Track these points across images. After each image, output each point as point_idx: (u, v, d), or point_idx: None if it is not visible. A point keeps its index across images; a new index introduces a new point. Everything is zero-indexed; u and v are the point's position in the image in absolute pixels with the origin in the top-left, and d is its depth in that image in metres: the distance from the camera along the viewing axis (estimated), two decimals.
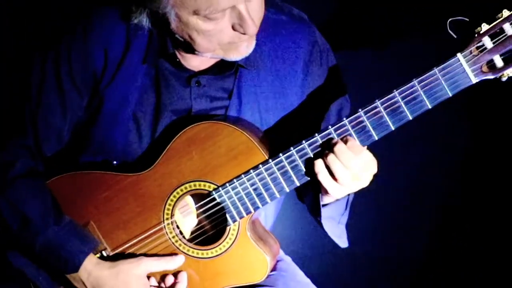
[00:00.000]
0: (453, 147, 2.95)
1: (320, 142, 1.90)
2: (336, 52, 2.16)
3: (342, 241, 2.14)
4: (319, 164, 1.89)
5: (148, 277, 2.06)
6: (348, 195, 2.03)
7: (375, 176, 1.93)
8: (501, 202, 2.96)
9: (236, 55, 1.95)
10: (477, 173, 2.98)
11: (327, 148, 1.89)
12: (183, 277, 2.05)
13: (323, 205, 2.03)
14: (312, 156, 1.92)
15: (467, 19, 1.79)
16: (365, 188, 1.94)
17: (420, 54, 2.49)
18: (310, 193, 2.09)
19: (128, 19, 1.97)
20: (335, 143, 1.87)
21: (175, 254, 2.05)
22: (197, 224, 2.09)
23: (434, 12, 2.50)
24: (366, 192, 1.97)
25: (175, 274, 2.05)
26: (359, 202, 2.16)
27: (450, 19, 1.79)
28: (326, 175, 1.88)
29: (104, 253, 2.07)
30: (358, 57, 2.67)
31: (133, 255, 2.06)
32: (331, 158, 1.87)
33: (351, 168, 1.86)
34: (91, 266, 2.04)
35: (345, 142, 1.87)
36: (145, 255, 2.06)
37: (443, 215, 3.04)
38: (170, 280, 2.06)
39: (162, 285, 2.07)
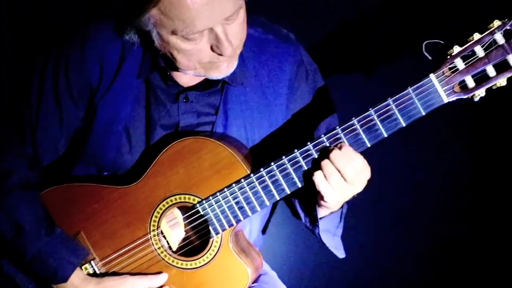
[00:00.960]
0: (453, 147, 2.99)
1: (313, 150, 1.97)
2: (322, 68, 2.24)
3: (339, 253, 2.20)
4: (316, 172, 1.94)
5: None
6: (342, 207, 2.09)
7: (368, 181, 1.98)
8: (502, 203, 2.99)
9: (217, 74, 2.02)
10: (477, 173, 3.01)
11: (322, 155, 1.95)
12: None
13: (319, 218, 2.10)
14: (304, 165, 1.98)
15: (442, 42, 1.87)
16: (361, 195, 2.00)
17: (397, 74, 2.56)
18: (306, 208, 2.17)
19: (121, 35, 2.05)
20: (331, 150, 1.93)
21: (160, 272, 2.12)
22: (184, 236, 2.16)
23: (412, 34, 2.58)
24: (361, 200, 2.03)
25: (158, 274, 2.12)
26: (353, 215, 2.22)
27: (425, 42, 1.86)
28: (323, 181, 1.93)
29: (92, 263, 2.14)
30: (341, 77, 2.75)
31: (119, 273, 2.14)
32: (326, 164, 1.93)
33: (346, 174, 1.92)
34: (78, 281, 2.10)
35: (340, 148, 1.93)
36: (132, 269, 2.13)
37: (443, 216, 3.07)
38: None
39: None
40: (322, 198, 1.96)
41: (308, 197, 2.12)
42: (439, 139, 2.96)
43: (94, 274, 2.13)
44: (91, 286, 2.09)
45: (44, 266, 2.09)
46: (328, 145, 1.96)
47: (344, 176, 1.92)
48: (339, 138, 1.95)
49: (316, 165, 1.96)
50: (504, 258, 3.01)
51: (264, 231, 2.44)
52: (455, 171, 3.01)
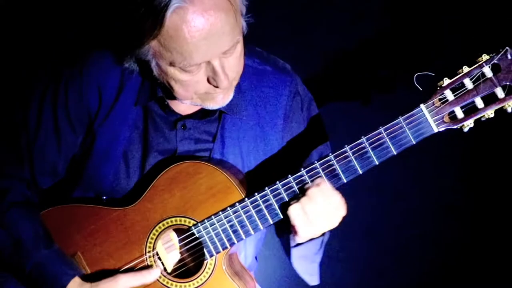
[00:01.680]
0: (454, 147, 3.04)
1: (293, 183, 2.03)
2: (317, 97, 2.30)
3: (312, 279, 2.24)
4: (293, 205, 2.00)
5: None
6: (323, 235, 2.13)
7: (343, 217, 2.04)
8: (502, 203, 3.03)
9: (213, 105, 2.08)
10: (478, 173, 3.05)
11: (300, 190, 2.02)
12: None
13: (298, 244, 2.14)
14: (285, 196, 2.04)
15: (433, 74, 1.93)
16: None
17: (389, 104, 2.62)
18: (283, 233, 2.21)
19: (121, 63, 2.10)
20: (309, 187, 1.99)
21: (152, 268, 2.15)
22: (179, 258, 2.20)
23: (404, 66, 2.66)
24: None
25: None
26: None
27: (417, 74, 1.92)
28: (300, 216, 1.99)
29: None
30: (334, 106, 2.81)
31: (110, 271, 2.16)
32: (304, 200, 1.99)
33: (322, 210, 1.98)
34: (75, 286, 2.13)
35: (318, 185, 2.00)
36: (121, 269, 2.16)
37: (444, 217, 3.10)
38: None
39: None
40: (296, 232, 2.02)
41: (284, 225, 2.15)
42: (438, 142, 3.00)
43: (88, 278, 2.16)
44: None
45: (43, 277, 2.12)
46: (320, 171, 2.01)
47: (320, 212, 1.98)
48: (332, 165, 2.00)
49: (296, 197, 2.02)
50: (505, 259, 3.05)
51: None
52: (454, 173, 3.06)
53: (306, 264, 2.21)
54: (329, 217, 2.00)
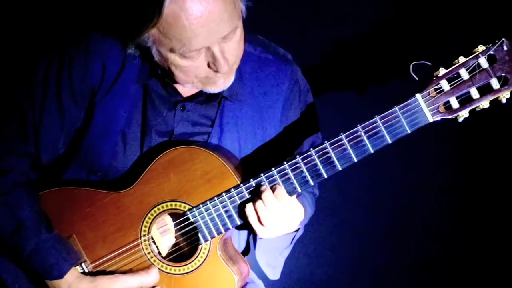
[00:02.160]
0: (455, 147, 3.05)
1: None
2: (314, 86, 2.32)
3: (274, 273, 2.29)
4: (248, 208, 2.06)
5: None
6: (297, 230, 2.20)
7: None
8: (500, 204, 3.05)
9: (213, 88, 2.10)
10: (479, 174, 3.06)
11: (256, 194, 2.06)
12: None
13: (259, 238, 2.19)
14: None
15: (429, 63, 1.94)
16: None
17: (385, 93, 2.63)
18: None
19: (123, 47, 2.12)
20: (263, 190, 2.04)
21: (151, 269, 2.16)
22: (174, 242, 2.22)
23: (400, 55, 2.67)
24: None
25: None
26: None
27: (413, 63, 1.93)
28: (254, 218, 2.05)
29: (83, 265, 2.19)
30: (331, 94, 2.83)
31: (111, 272, 2.19)
32: (258, 203, 2.04)
33: (274, 214, 2.03)
34: (72, 278, 2.15)
35: (273, 190, 2.04)
36: (122, 271, 2.18)
37: (444, 217, 3.12)
38: None
39: None
40: (255, 233, 2.08)
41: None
42: (436, 137, 3.02)
43: (86, 273, 2.19)
44: (84, 284, 2.14)
45: (41, 261, 2.13)
46: (315, 158, 2.03)
47: (274, 216, 2.03)
48: (327, 153, 2.02)
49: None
50: (505, 259, 3.07)
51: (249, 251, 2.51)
52: (452, 172, 3.07)
53: (272, 256, 2.25)
54: (282, 220, 2.05)
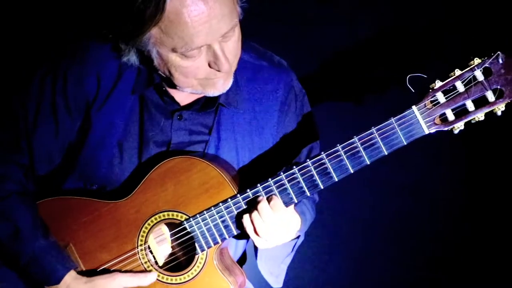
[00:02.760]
0: (456, 147, 3.06)
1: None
2: (310, 96, 2.34)
3: (277, 281, 2.29)
4: (245, 219, 2.07)
5: None
6: (298, 237, 2.20)
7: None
8: (499, 204, 3.06)
9: (213, 91, 2.11)
10: (475, 174, 3.07)
11: (253, 205, 2.07)
12: None
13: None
14: (277, 194, 2.07)
15: (425, 76, 1.95)
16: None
17: (381, 104, 2.65)
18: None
19: (119, 56, 2.12)
20: (259, 201, 2.05)
21: (148, 271, 2.17)
22: (171, 252, 2.23)
23: (397, 68, 2.68)
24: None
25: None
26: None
27: (409, 75, 1.95)
28: (251, 229, 2.06)
29: None
30: (327, 105, 2.84)
31: (108, 270, 2.19)
32: (254, 214, 2.05)
33: (270, 225, 2.04)
34: (70, 279, 2.16)
35: (269, 201, 2.05)
36: (120, 271, 2.18)
37: (445, 217, 3.13)
38: None
39: None
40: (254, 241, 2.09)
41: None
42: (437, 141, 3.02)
43: (84, 273, 2.19)
44: (81, 285, 2.14)
45: (39, 268, 2.15)
46: (312, 169, 2.03)
47: (270, 227, 2.04)
48: (324, 163, 2.03)
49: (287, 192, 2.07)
50: (506, 260, 3.08)
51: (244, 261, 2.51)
52: (452, 172, 3.08)
53: (274, 265, 2.26)
54: (278, 231, 2.06)
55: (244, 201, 2.09)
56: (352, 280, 3.20)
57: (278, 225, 2.04)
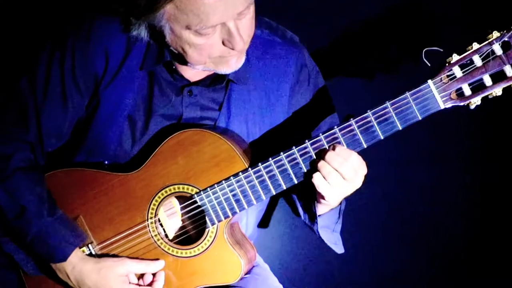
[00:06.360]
0: (457, 147, 3.03)
1: (310, 148, 2.02)
2: (323, 71, 2.30)
3: (338, 248, 2.28)
4: (314, 174, 2.01)
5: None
6: (340, 204, 2.16)
7: (366, 176, 2.04)
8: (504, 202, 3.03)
9: (226, 69, 2.08)
10: (481, 170, 3.04)
11: (318, 156, 2.02)
12: (161, 276, 2.17)
13: (318, 216, 2.16)
14: (301, 162, 2.04)
15: (441, 50, 1.91)
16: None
17: (396, 79, 2.61)
18: (305, 205, 2.23)
19: (128, 30, 2.10)
20: (326, 151, 2.00)
21: (157, 259, 2.17)
22: (181, 225, 2.22)
23: (413, 41, 2.64)
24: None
25: (154, 273, 2.17)
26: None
27: (425, 49, 1.91)
28: (323, 182, 2.00)
29: (90, 247, 2.19)
30: (341, 80, 2.81)
31: (117, 255, 2.18)
32: (323, 165, 2.00)
33: (343, 172, 1.99)
34: (76, 259, 2.15)
35: (334, 149, 2.00)
36: (129, 254, 2.17)
37: (446, 217, 3.11)
38: (148, 278, 2.17)
39: (141, 282, 2.18)
40: (322, 197, 2.03)
41: (307, 194, 2.18)
42: (441, 135, 2.99)
43: (92, 255, 2.19)
44: (89, 266, 2.14)
45: (44, 246, 2.14)
46: (325, 144, 2.01)
47: (342, 174, 1.99)
48: (336, 138, 2.00)
49: (312, 163, 2.03)
50: (507, 260, 3.06)
51: (266, 225, 2.49)
52: (457, 168, 3.05)
53: (328, 234, 2.23)
54: (351, 177, 2.00)
55: (255, 175, 2.06)
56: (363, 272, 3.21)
57: (349, 168, 1.99)
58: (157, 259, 2.17)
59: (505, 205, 3.03)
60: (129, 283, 2.16)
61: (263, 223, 2.48)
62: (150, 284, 2.17)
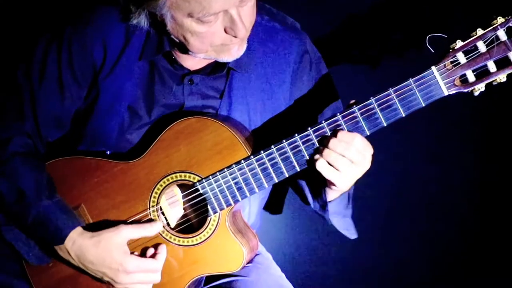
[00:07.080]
0: (458, 146, 3.03)
1: (313, 135, 2.01)
2: (325, 58, 2.28)
3: (350, 233, 2.27)
4: (317, 159, 1.99)
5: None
6: (349, 188, 2.13)
7: (373, 156, 2.02)
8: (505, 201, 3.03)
9: (227, 57, 2.07)
10: (481, 169, 3.05)
11: (321, 143, 2.01)
12: (163, 249, 2.14)
13: (328, 202, 2.15)
14: (304, 149, 2.02)
15: (445, 36, 1.90)
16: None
17: (400, 65, 2.60)
18: (315, 193, 2.22)
19: (127, 19, 2.08)
20: (329, 138, 1.98)
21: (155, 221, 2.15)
22: (183, 214, 2.21)
23: (416, 28, 2.62)
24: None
25: (156, 246, 2.15)
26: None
27: (429, 35, 1.89)
28: (329, 169, 1.99)
29: None
30: (343, 66, 2.79)
31: (113, 224, 2.14)
32: (327, 153, 1.98)
33: (350, 156, 1.97)
34: (75, 235, 2.12)
35: (335, 135, 1.98)
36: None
37: (446, 217, 3.12)
38: (150, 251, 2.15)
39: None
40: (332, 183, 2.02)
41: (316, 182, 2.16)
42: (442, 134, 2.99)
43: (90, 228, 2.15)
44: (87, 240, 2.11)
45: (44, 228, 2.12)
46: (327, 131, 2.00)
47: (349, 159, 1.97)
48: (339, 125, 1.99)
49: (315, 151, 2.02)
50: (507, 261, 3.06)
51: (280, 211, 2.48)
52: (458, 168, 3.05)
53: (340, 220, 2.22)
54: (359, 160, 1.99)
55: (258, 163, 2.05)
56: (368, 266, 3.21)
57: (354, 152, 1.97)
58: (155, 222, 2.14)
59: (505, 204, 3.02)
60: (131, 253, 2.13)
61: (276, 209, 2.46)
62: (153, 256, 2.15)
